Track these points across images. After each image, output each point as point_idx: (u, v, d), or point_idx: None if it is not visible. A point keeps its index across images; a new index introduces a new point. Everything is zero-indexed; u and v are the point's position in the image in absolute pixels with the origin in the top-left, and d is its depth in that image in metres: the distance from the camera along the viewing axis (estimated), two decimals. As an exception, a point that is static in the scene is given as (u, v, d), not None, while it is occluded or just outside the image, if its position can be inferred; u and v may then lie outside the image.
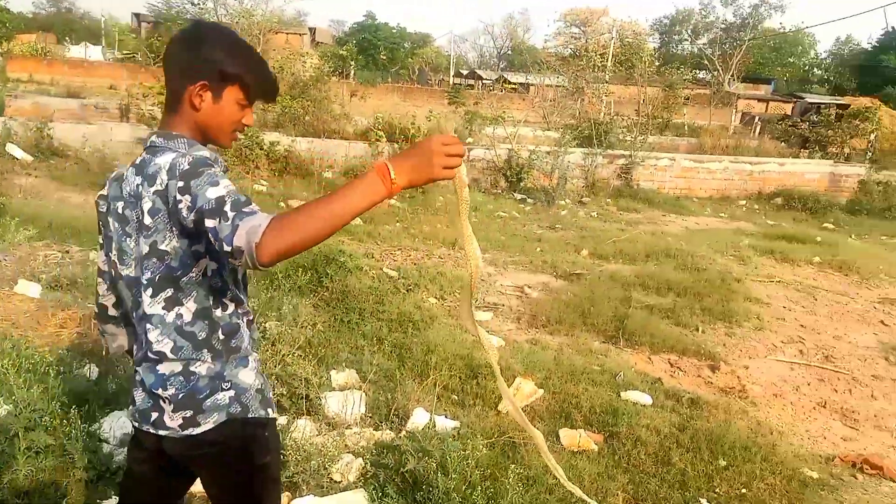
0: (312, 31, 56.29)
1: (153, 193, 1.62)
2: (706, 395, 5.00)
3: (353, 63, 56.13)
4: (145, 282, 1.70)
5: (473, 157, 13.28)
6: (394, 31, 74.17)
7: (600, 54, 30.40)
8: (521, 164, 12.80)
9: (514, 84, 44.15)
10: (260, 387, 1.84)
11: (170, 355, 1.72)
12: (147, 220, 1.64)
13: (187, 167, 1.56)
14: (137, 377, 1.81)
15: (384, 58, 68.51)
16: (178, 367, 1.73)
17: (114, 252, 1.79)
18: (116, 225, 1.77)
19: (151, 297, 1.70)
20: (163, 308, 1.70)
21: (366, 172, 1.52)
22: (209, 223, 1.46)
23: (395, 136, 12.12)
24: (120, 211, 1.75)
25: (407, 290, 6.41)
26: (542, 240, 9.39)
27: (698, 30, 54.49)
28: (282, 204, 9.04)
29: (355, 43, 69.24)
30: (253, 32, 20.57)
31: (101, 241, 1.87)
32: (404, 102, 26.21)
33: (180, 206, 1.54)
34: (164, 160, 1.63)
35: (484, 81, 55.12)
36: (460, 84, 49.51)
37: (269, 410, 1.86)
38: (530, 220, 10.90)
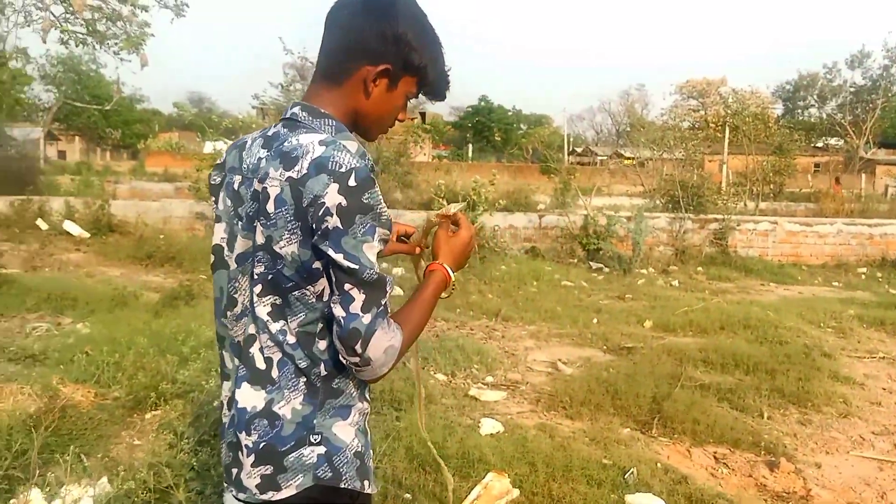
0: (423, 115, 58.07)
1: (286, 179, 1.33)
2: (752, 502, 3.83)
3: (469, 144, 57.95)
4: (256, 276, 1.40)
5: (546, 225, 12.44)
6: (509, 112, 75.64)
7: (719, 125, 29.10)
8: (597, 231, 11.80)
9: (631, 158, 43.25)
10: (359, 449, 1.47)
11: (274, 372, 1.41)
12: (270, 208, 1.35)
13: (355, 185, 1.31)
14: (226, 416, 1.50)
15: (498, 138, 69.69)
16: (260, 402, 1.41)
17: (224, 235, 1.50)
18: (228, 203, 1.48)
19: (259, 295, 1.40)
20: (268, 314, 1.40)
21: (434, 280, 1.56)
22: (349, 287, 1.32)
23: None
24: (235, 187, 1.46)
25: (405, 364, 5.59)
26: (602, 310, 8.33)
27: (825, 94, 51.58)
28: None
29: (471, 125, 71.61)
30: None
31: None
32: (514, 180, 25.91)
33: (326, 222, 1.30)
34: (308, 141, 1.36)
35: (599, 157, 54.55)
36: (575, 162, 49.23)
37: (366, 483, 1.49)
38: (599, 289, 9.84)
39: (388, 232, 1.39)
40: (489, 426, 4.58)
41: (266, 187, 1.36)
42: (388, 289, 1.38)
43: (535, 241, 12.48)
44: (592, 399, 5.17)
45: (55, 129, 49.36)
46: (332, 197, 1.29)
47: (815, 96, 53.70)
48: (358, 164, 1.32)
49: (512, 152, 63.26)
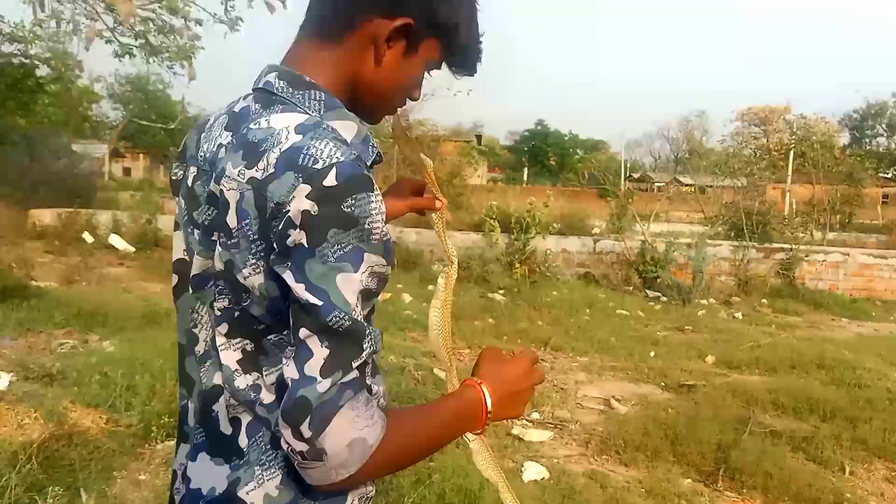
0: (479, 137, 58.19)
1: (247, 180, 0.91)
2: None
3: (525, 168, 58.39)
4: (219, 312, 0.97)
5: (601, 250, 11.94)
6: (566, 137, 75.32)
7: (782, 152, 28.19)
8: (655, 258, 11.24)
9: (689, 185, 42.35)
10: None
11: (242, 440, 0.98)
12: (230, 221, 0.93)
13: (333, 185, 0.87)
14: (177, 492, 1.09)
15: (554, 163, 69.45)
16: (221, 482, 0.98)
17: (184, 246, 1.08)
18: (183, 204, 1.07)
19: (226, 336, 0.98)
20: (237, 362, 0.97)
21: (463, 397, 1.09)
22: (306, 333, 0.87)
23: (511, 226, 11.10)
24: (189, 182, 1.06)
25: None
26: (660, 343, 7.79)
27: (895, 123, 49.93)
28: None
29: (526, 150, 71.77)
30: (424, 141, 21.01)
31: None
32: (569, 204, 25.47)
33: (288, 238, 0.87)
34: (282, 124, 0.94)
35: (656, 184, 53.65)
36: (633, 187, 48.61)
37: None
38: (656, 319, 9.28)
39: (384, 262, 0.92)
40: (533, 471, 4.15)
41: (223, 190, 0.94)
42: (367, 346, 0.90)
43: (588, 267, 11.98)
44: (649, 443, 4.67)
45: (122, 147, 50.70)
46: (299, 202, 0.87)
47: (884, 125, 52.09)
48: (342, 158, 0.89)
49: (568, 177, 62.82)
